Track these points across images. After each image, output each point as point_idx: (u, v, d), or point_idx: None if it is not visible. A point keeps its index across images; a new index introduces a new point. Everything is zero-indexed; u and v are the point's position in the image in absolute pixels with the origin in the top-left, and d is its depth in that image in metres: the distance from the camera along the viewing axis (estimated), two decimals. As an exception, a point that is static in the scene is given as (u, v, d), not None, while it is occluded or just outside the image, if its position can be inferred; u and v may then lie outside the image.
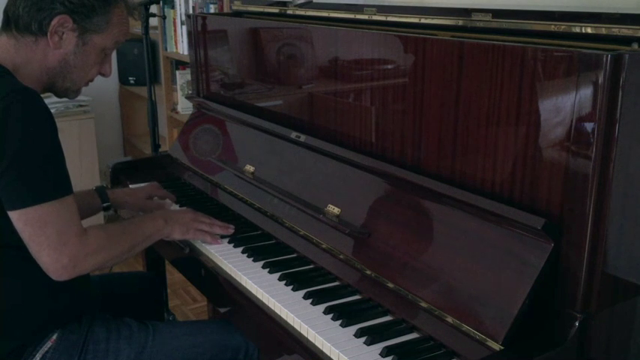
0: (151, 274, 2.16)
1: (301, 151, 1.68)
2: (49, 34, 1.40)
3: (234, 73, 2.08)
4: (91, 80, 1.53)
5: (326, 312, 1.30)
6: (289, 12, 1.98)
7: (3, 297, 1.40)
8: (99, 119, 3.79)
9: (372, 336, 1.21)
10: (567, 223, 1.08)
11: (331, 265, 1.46)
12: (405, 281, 1.27)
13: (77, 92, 1.53)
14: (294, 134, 1.70)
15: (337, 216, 1.47)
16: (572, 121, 1.05)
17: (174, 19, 3.29)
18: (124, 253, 1.47)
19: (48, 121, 1.33)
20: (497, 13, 1.32)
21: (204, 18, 2.20)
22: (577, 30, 1.18)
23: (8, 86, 1.32)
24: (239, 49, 2.03)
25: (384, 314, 1.30)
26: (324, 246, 1.50)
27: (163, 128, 3.47)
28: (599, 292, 1.09)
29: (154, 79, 2.85)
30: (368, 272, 1.36)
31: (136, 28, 3.71)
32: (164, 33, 3.41)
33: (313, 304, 1.34)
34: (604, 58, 0.99)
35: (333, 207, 1.50)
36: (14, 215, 1.30)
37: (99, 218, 2.76)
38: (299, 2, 1.87)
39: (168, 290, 2.61)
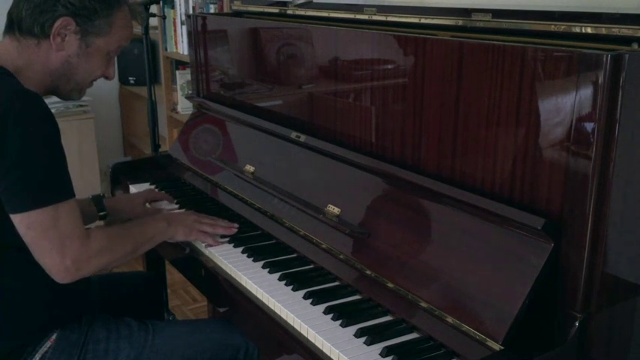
0: (151, 274, 2.16)
1: (301, 151, 1.68)
2: (51, 36, 1.40)
3: (234, 73, 2.08)
4: (95, 80, 1.53)
5: (326, 312, 1.30)
6: (289, 12, 1.98)
7: (3, 297, 1.40)
8: (99, 119, 3.79)
9: (372, 336, 1.21)
10: (567, 223, 1.08)
11: (331, 265, 1.46)
12: (405, 281, 1.27)
13: (80, 94, 1.54)
14: (294, 134, 1.70)
15: (337, 216, 1.47)
16: (572, 121, 1.05)
17: (174, 19, 3.29)
18: (127, 254, 1.48)
19: (50, 124, 1.33)
20: (497, 13, 1.32)
21: (204, 18, 2.20)
22: (577, 30, 1.18)
23: (10, 89, 1.32)
24: (239, 49, 2.03)
25: (384, 314, 1.30)
26: (324, 246, 1.50)
27: (163, 128, 3.47)
28: (599, 292, 1.09)
29: (154, 79, 2.85)
30: (368, 272, 1.36)
31: (136, 28, 3.70)
32: (164, 33, 3.41)
33: (313, 304, 1.34)
34: (604, 58, 0.99)
35: (333, 207, 1.50)
36: (16, 218, 1.30)
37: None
38: (299, 2, 1.87)
39: (168, 290, 2.61)
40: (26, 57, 1.41)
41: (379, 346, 1.18)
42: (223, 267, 1.55)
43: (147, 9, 2.39)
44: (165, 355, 1.50)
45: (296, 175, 1.68)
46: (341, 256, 1.44)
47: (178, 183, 2.12)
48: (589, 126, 1.03)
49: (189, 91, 2.72)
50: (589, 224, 1.05)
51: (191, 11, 3.09)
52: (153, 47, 3.15)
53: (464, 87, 1.24)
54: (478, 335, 1.11)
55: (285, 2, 1.99)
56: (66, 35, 1.41)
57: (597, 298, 1.09)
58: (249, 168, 1.82)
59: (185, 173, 2.13)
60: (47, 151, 1.32)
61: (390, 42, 1.43)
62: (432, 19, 1.48)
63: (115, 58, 1.59)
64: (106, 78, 1.54)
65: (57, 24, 1.39)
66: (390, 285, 1.30)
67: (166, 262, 2.14)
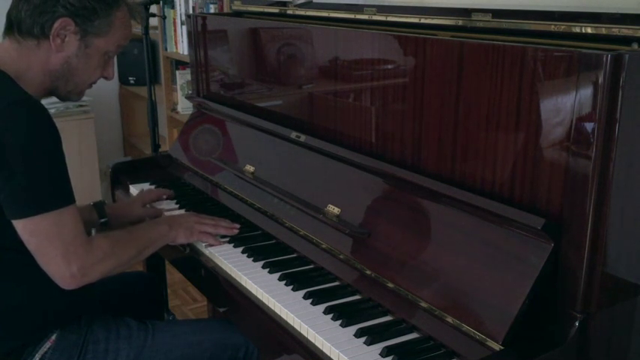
0: (151, 274, 2.16)
1: (301, 151, 1.68)
2: (51, 37, 1.40)
3: (234, 73, 2.08)
4: (94, 83, 1.54)
5: (326, 312, 1.30)
6: (289, 12, 1.98)
7: (2, 298, 1.40)
8: (99, 119, 3.79)
9: (372, 336, 1.21)
10: (567, 223, 1.08)
11: (331, 265, 1.46)
12: (405, 281, 1.27)
13: (80, 95, 1.54)
14: (294, 134, 1.70)
15: (337, 216, 1.47)
16: (572, 121, 1.05)
17: (174, 19, 3.29)
18: (130, 259, 1.49)
19: (52, 131, 1.34)
20: (497, 13, 1.32)
21: (204, 18, 2.20)
22: (577, 30, 1.18)
23: (12, 97, 1.32)
24: (239, 49, 2.03)
25: (384, 314, 1.30)
26: (324, 246, 1.50)
27: (163, 128, 3.46)
28: (599, 292, 1.09)
29: (154, 79, 2.84)
30: (368, 272, 1.36)
31: (136, 28, 3.70)
32: (164, 33, 3.41)
33: (313, 304, 1.34)
34: (604, 58, 0.99)
35: (333, 207, 1.50)
36: (19, 225, 1.31)
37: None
38: (299, 2, 1.87)
39: (168, 290, 2.61)
40: (26, 58, 1.41)
41: (379, 346, 1.18)
42: (223, 267, 1.55)
43: (147, 9, 2.39)
44: (165, 355, 1.50)
45: (296, 175, 1.68)
46: (341, 256, 1.44)
47: (178, 183, 2.12)
48: (589, 126, 1.03)
49: (189, 91, 2.72)
50: (589, 224, 1.05)
51: (191, 11, 3.09)
52: (153, 47, 3.15)
53: (464, 87, 1.24)
54: (478, 335, 1.11)
55: (285, 2, 1.99)
56: (66, 36, 1.41)
57: (597, 298, 1.09)
58: (249, 168, 1.82)
59: (185, 173, 2.13)
60: (49, 158, 1.33)
61: (390, 42, 1.43)
62: (432, 19, 1.48)
63: (115, 59, 1.59)
64: (106, 78, 1.54)
65: (56, 25, 1.39)
66: (390, 285, 1.30)
67: (166, 262, 2.14)
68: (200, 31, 2.20)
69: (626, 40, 1.10)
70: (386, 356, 1.16)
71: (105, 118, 4.11)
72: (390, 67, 1.44)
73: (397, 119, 1.42)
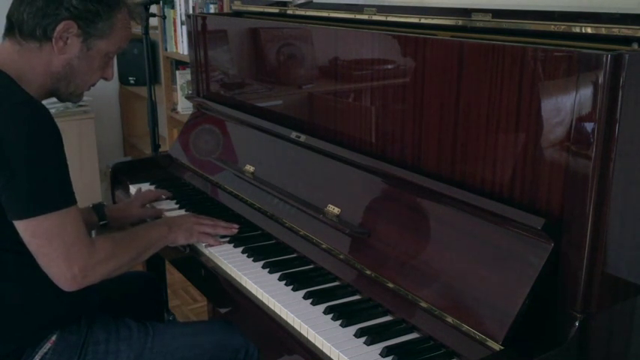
0: (151, 274, 2.16)
1: (301, 151, 1.68)
2: (53, 39, 1.40)
3: (234, 73, 2.08)
4: (93, 84, 1.54)
5: (326, 312, 1.30)
6: (289, 12, 1.97)
7: (2, 299, 1.40)
8: (99, 119, 3.79)
9: (372, 336, 1.21)
10: (567, 223, 1.08)
11: (331, 265, 1.46)
12: (405, 281, 1.27)
13: (80, 96, 1.54)
14: (294, 134, 1.70)
15: (337, 216, 1.47)
16: (572, 121, 1.05)
17: (174, 19, 3.29)
18: (131, 261, 1.49)
19: (54, 133, 1.34)
20: (497, 13, 1.32)
21: (204, 18, 2.20)
22: (577, 30, 1.18)
23: (14, 98, 1.33)
24: (239, 49, 2.03)
25: (384, 314, 1.30)
26: (324, 246, 1.50)
27: (163, 128, 3.46)
28: (599, 292, 1.09)
29: (154, 79, 2.84)
30: (368, 272, 1.36)
31: (136, 28, 3.70)
32: (164, 33, 3.41)
33: (313, 304, 1.34)
34: (604, 58, 0.99)
35: (333, 207, 1.50)
36: (20, 226, 1.31)
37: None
38: (299, 2, 1.87)
39: (168, 290, 2.61)
40: (27, 60, 1.41)
41: (379, 346, 1.18)
42: (223, 267, 1.55)
43: (147, 9, 2.39)
44: (165, 357, 1.50)
45: (296, 175, 1.68)
46: (341, 256, 1.44)
47: (178, 183, 2.12)
48: (589, 126, 1.03)
49: (189, 91, 2.72)
50: (589, 224, 1.05)
51: (191, 11, 3.09)
52: (153, 47, 3.15)
53: (464, 87, 1.24)
54: (478, 335, 1.11)
55: (285, 2, 1.99)
56: (68, 38, 1.41)
57: (597, 298, 1.09)
58: (249, 168, 1.82)
59: (185, 173, 2.13)
60: (51, 159, 1.33)
61: (390, 42, 1.43)
62: (432, 19, 1.48)
63: (115, 59, 1.59)
64: (105, 79, 1.55)
65: (59, 27, 1.39)
66: (390, 285, 1.30)
67: (166, 262, 2.14)
68: (200, 31, 2.20)
69: (626, 40, 1.10)
70: (386, 356, 1.16)
71: (105, 118, 4.11)
72: (390, 67, 1.44)
73: (397, 119, 1.42)
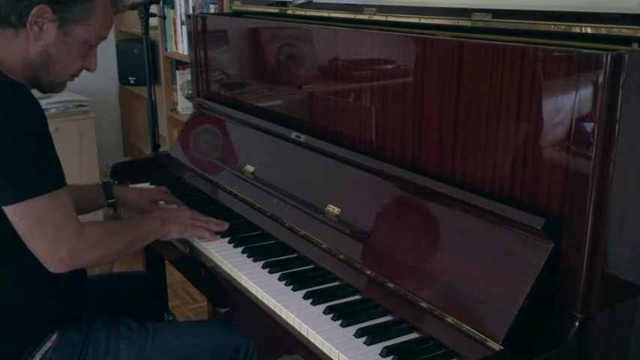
0: (151, 274, 2.16)
1: (301, 151, 1.68)
2: (28, 25, 1.36)
3: (234, 73, 2.08)
4: (76, 75, 1.49)
5: (326, 312, 1.30)
6: (289, 12, 1.97)
7: (2, 298, 1.40)
8: (99, 119, 3.79)
9: (372, 336, 1.21)
10: (567, 223, 1.08)
11: (331, 265, 1.46)
12: (405, 281, 1.27)
13: (62, 86, 1.50)
14: (294, 134, 1.70)
15: (337, 216, 1.47)
16: (572, 121, 1.05)
17: (174, 19, 3.29)
18: (121, 250, 1.48)
19: (38, 114, 1.31)
20: (497, 13, 1.32)
21: (204, 18, 2.20)
22: (577, 30, 1.18)
23: None
24: (239, 49, 2.03)
25: (384, 314, 1.30)
26: (324, 246, 1.50)
27: (163, 128, 3.46)
28: (599, 292, 1.09)
29: (154, 79, 2.84)
30: (368, 272, 1.36)
31: (136, 28, 3.71)
32: (164, 33, 3.41)
33: (313, 304, 1.34)
34: (604, 58, 0.99)
35: (333, 207, 1.50)
36: (9, 210, 1.30)
37: (97, 215, 2.76)
38: (299, 2, 1.87)
39: (168, 290, 2.61)
40: (5, 48, 1.38)
41: (379, 346, 1.18)
42: (223, 267, 1.55)
43: (147, 9, 2.39)
44: (165, 356, 1.50)
45: (296, 175, 1.68)
46: (341, 256, 1.44)
47: (178, 183, 2.12)
48: (589, 126, 1.03)
49: (189, 91, 2.72)
50: (589, 224, 1.05)
51: (191, 11, 3.09)
52: (153, 47, 3.15)
53: (464, 87, 1.24)
54: (478, 335, 1.11)
55: (285, 2, 1.99)
56: (44, 24, 1.37)
57: (597, 298, 1.09)
58: (249, 168, 1.82)
59: (185, 173, 2.13)
60: (37, 141, 1.30)
61: (390, 42, 1.43)
62: (432, 19, 1.48)
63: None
64: (88, 69, 1.50)
65: (33, 12, 1.35)
66: (390, 285, 1.30)
67: (166, 262, 2.14)
68: (200, 31, 2.20)
69: (626, 40, 1.10)
70: (386, 356, 1.16)
71: (105, 118, 4.11)
72: (390, 67, 1.44)
73: (397, 119, 1.42)
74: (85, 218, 1.44)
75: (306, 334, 1.26)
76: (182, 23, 3.20)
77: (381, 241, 1.37)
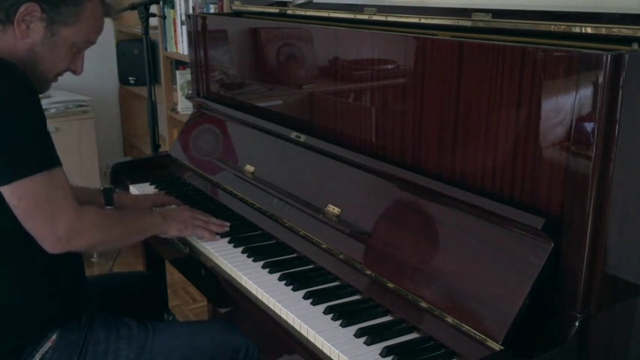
0: (151, 274, 2.16)
1: (301, 151, 1.68)
2: (15, 22, 1.35)
3: (234, 73, 2.08)
4: (60, 74, 1.49)
5: (326, 312, 1.30)
6: (289, 12, 1.98)
7: (2, 297, 1.40)
8: (99, 119, 3.79)
9: (372, 336, 1.21)
10: (567, 223, 1.08)
11: (331, 265, 1.46)
12: (405, 281, 1.27)
13: (46, 84, 1.48)
14: (294, 134, 1.70)
15: (337, 216, 1.47)
16: (572, 121, 1.05)
17: (174, 19, 3.29)
18: (119, 238, 1.48)
19: (28, 91, 1.31)
20: (497, 13, 1.32)
21: (204, 18, 2.20)
22: (577, 30, 1.18)
23: None
24: (239, 49, 2.03)
25: (384, 314, 1.30)
26: (324, 246, 1.50)
27: (163, 128, 3.46)
28: (599, 292, 1.09)
29: (154, 79, 2.84)
30: (368, 272, 1.36)
31: (136, 28, 3.71)
32: (164, 33, 3.41)
33: (313, 304, 1.34)
34: (604, 58, 0.99)
35: (333, 207, 1.50)
36: (6, 190, 1.29)
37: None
38: (299, 2, 1.87)
39: (168, 290, 2.61)
40: None
41: (379, 346, 1.18)
42: (223, 267, 1.55)
43: (147, 9, 2.39)
44: (165, 356, 1.50)
45: (296, 175, 1.68)
46: (341, 256, 1.44)
47: (178, 183, 2.12)
48: (589, 126, 1.03)
49: (189, 91, 2.72)
50: (589, 224, 1.05)
51: (191, 11, 3.09)
52: (153, 47, 3.15)
53: (464, 87, 1.24)
54: (478, 335, 1.11)
55: (285, 2, 1.99)
56: (31, 22, 1.37)
57: (597, 298, 1.09)
58: (249, 168, 1.82)
59: (185, 173, 2.13)
60: (30, 118, 1.30)
61: (390, 42, 1.43)
62: (432, 19, 1.48)
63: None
64: (73, 72, 1.50)
65: (22, 10, 1.34)
66: (390, 285, 1.30)
67: (166, 262, 2.14)
68: (200, 31, 2.20)
69: (626, 40, 1.10)
70: (386, 356, 1.16)
71: (105, 118, 4.11)
72: (390, 67, 1.44)
73: (397, 119, 1.42)
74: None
75: (306, 334, 1.26)
76: (182, 23, 3.20)
77: (381, 241, 1.37)
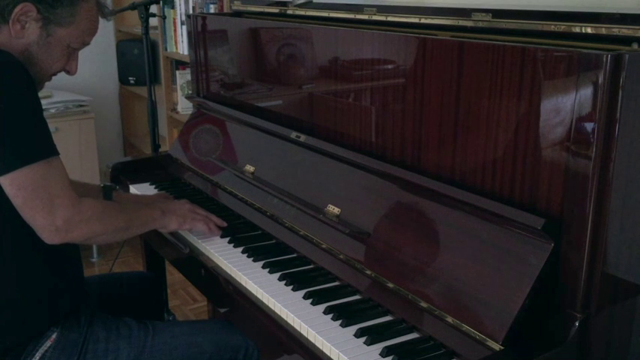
0: (151, 274, 2.16)
1: (301, 151, 1.68)
2: (10, 22, 1.36)
3: (234, 73, 2.08)
4: (54, 74, 1.49)
5: (326, 312, 1.30)
6: (289, 12, 1.98)
7: (2, 296, 1.40)
8: (99, 119, 3.79)
9: (372, 336, 1.21)
10: (567, 223, 1.08)
11: (331, 265, 1.46)
12: (405, 281, 1.27)
13: (40, 84, 1.48)
14: (294, 134, 1.70)
15: (337, 216, 1.47)
16: (572, 121, 1.05)
17: (174, 19, 3.29)
18: (117, 231, 1.47)
19: (26, 80, 1.31)
20: (497, 13, 1.32)
21: (204, 18, 2.20)
22: (577, 30, 1.18)
23: None
24: (239, 49, 2.03)
25: (384, 314, 1.30)
26: (324, 246, 1.50)
27: (163, 128, 3.46)
28: (599, 292, 1.09)
29: (154, 79, 2.85)
30: (368, 272, 1.36)
31: (136, 28, 3.71)
32: (164, 33, 3.41)
33: (313, 304, 1.34)
34: (604, 58, 0.99)
35: (333, 207, 1.50)
36: (5, 181, 1.29)
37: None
38: (299, 2, 1.87)
39: (168, 290, 2.61)
40: None
41: (379, 346, 1.18)
42: (223, 267, 1.55)
43: (147, 9, 2.39)
44: (165, 355, 1.50)
45: (296, 175, 1.68)
46: (341, 256, 1.44)
47: (178, 183, 2.12)
48: (589, 126, 1.03)
49: (189, 91, 2.72)
50: (589, 224, 1.05)
51: (191, 11, 3.09)
52: (153, 47, 3.16)
53: (464, 87, 1.24)
54: (478, 335, 1.11)
55: (285, 2, 1.99)
56: (26, 22, 1.37)
57: (597, 298, 1.09)
58: (249, 168, 1.82)
59: (185, 173, 2.13)
60: (27, 108, 1.30)
61: (390, 42, 1.43)
62: (432, 19, 1.48)
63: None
64: (68, 73, 1.50)
65: (17, 9, 1.35)
66: (390, 285, 1.30)
67: (166, 262, 2.14)
68: (200, 31, 2.20)
69: (626, 40, 1.11)
70: (386, 356, 1.16)
71: (105, 118, 4.11)
72: (390, 67, 1.44)
73: (397, 119, 1.42)
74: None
75: (306, 334, 1.26)
76: (182, 23, 3.20)
77: (381, 241, 1.37)
